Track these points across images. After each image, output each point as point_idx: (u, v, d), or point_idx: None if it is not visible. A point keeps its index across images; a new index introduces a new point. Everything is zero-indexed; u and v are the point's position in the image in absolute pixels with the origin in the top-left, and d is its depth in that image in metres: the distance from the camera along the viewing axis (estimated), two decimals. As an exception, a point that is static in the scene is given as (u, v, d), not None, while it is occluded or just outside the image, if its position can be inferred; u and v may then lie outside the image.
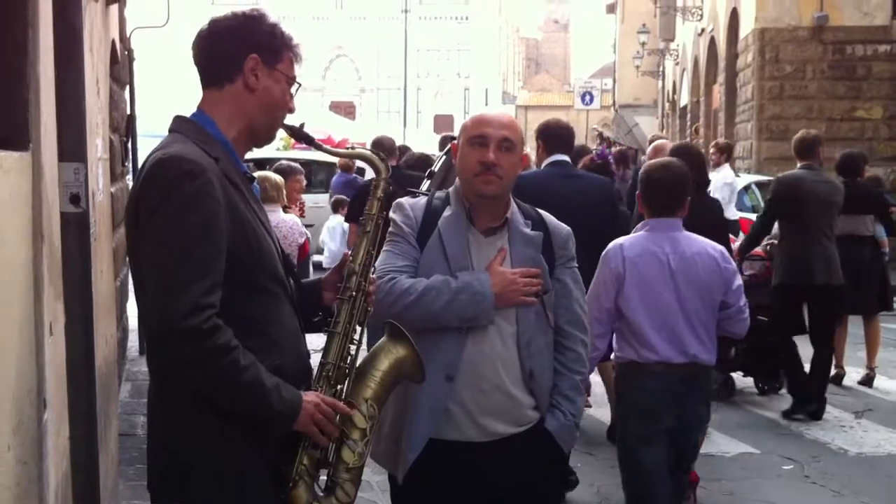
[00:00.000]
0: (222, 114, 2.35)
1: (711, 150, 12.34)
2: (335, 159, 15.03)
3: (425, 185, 7.47)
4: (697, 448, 4.21)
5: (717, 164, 11.66)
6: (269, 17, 2.40)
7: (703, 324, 3.91)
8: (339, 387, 2.40)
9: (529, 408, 2.92)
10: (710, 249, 3.96)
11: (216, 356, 2.12)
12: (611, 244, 3.99)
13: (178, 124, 2.36)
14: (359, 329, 2.46)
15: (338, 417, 2.32)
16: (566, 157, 5.54)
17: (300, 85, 2.44)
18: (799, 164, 7.33)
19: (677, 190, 3.99)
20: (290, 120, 2.48)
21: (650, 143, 9.52)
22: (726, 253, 4.07)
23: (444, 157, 6.19)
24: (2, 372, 2.08)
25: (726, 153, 11.91)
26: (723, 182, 10.75)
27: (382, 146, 8.13)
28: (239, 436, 2.22)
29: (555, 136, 5.44)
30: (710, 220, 4.38)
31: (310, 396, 2.28)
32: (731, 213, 10.50)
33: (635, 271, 3.87)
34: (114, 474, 4.76)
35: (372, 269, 2.51)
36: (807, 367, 7.25)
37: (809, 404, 7.06)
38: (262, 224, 2.34)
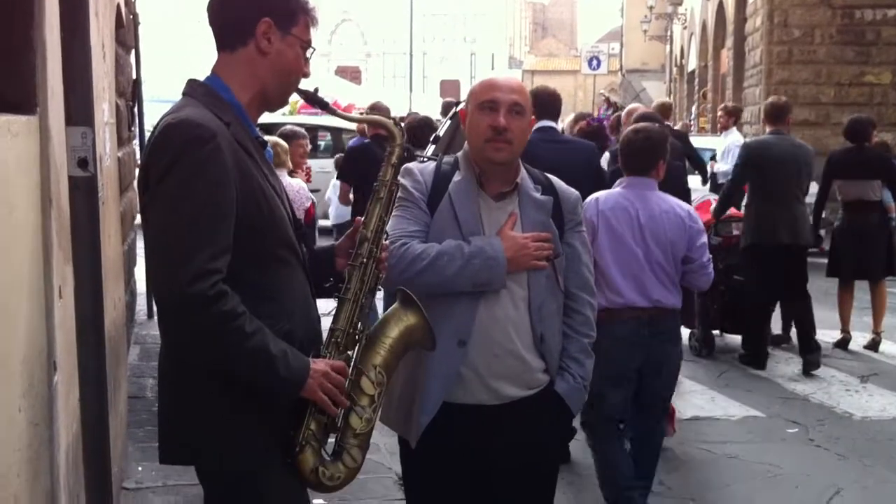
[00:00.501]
0: (235, 77, 2.33)
1: (720, 114, 12.38)
2: (343, 124, 15.06)
3: (430, 149, 7.46)
4: (671, 384, 4.62)
5: (725, 127, 11.71)
6: None
7: (667, 274, 4.32)
8: (348, 353, 2.40)
9: (540, 371, 2.94)
10: (678, 209, 4.36)
11: (222, 321, 2.12)
12: (589, 197, 4.31)
13: (191, 87, 2.34)
14: (369, 295, 2.45)
15: (347, 383, 2.33)
16: (552, 123, 5.73)
17: (314, 49, 2.41)
18: (768, 129, 7.68)
19: (650, 153, 4.39)
20: (303, 85, 2.45)
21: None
22: (693, 213, 4.47)
23: (448, 122, 6.20)
24: (12, 335, 2.10)
25: (734, 116, 12.01)
26: (734, 145, 10.77)
27: (380, 112, 8.15)
28: (247, 401, 2.23)
29: (542, 103, 5.50)
30: (670, 185, 4.78)
31: (318, 364, 2.27)
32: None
33: (607, 223, 4.30)
34: (123, 436, 4.80)
35: (384, 236, 2.50)
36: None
37: (810, 353, 7.33)
38: (275, 189, 2.33)
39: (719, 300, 7.81)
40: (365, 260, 2.44)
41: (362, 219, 2.50)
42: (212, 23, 2.37)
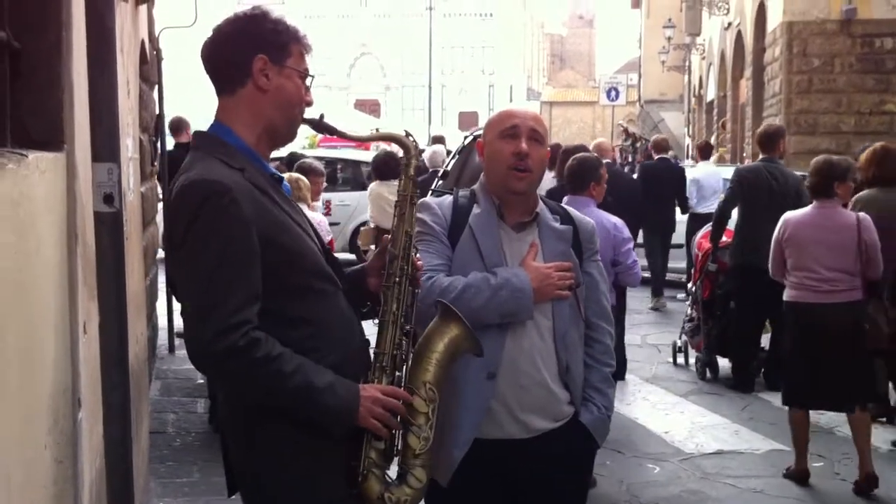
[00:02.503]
0: (239, 120, 2.33)
1: (695, 152, 13.58)
2: (362, 157, 15.09)
3: (438, 184, 7.52)
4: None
5: (698, 161, 13.04)
6: (271, 13, 2.36)
7: None
8: (397, 374, 2.40)
9: (565, 402, 2.92)
10: (606, 221, 5.26)
11: (258, 368, 2.14)
12: None
13: (198, 141, 2.36)
14: (409, 313, 2.45)
15: (402, 405, 2.33)
16: None
17: (313, 77, 2.41)
18: (760, 156, 7.82)
19: (583, 176, 5.48)
20: (309, 112, 2.45)
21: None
22: (619, 224, 5.39)
23: (456, 156, 6.25)
24: (38, 371, 2.10)
25: (703, 152, 13.69)
26: (706, 176, 12.18)
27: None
28: (306, 437, 2.24)
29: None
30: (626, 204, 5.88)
31: (368, 391, 2.28)
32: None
33: None
34: (145, 472, 4.80)
35: (414, 251, 2.50)
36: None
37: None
38: (297, 223, 2.34)
39: (717, 325, 7.97)
40: (397, 279, 2.43)
41: (389, 237, 2.50)
42: (207, 70, 2.37)
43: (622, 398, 6.97)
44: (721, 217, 7.99)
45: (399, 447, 2.37)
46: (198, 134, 2.37)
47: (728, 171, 12.99)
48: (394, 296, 2.42)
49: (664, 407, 7.39)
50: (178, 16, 8.69)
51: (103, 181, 2.99)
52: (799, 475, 5.64)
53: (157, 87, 7.77)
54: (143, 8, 5.98)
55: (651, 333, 10.09)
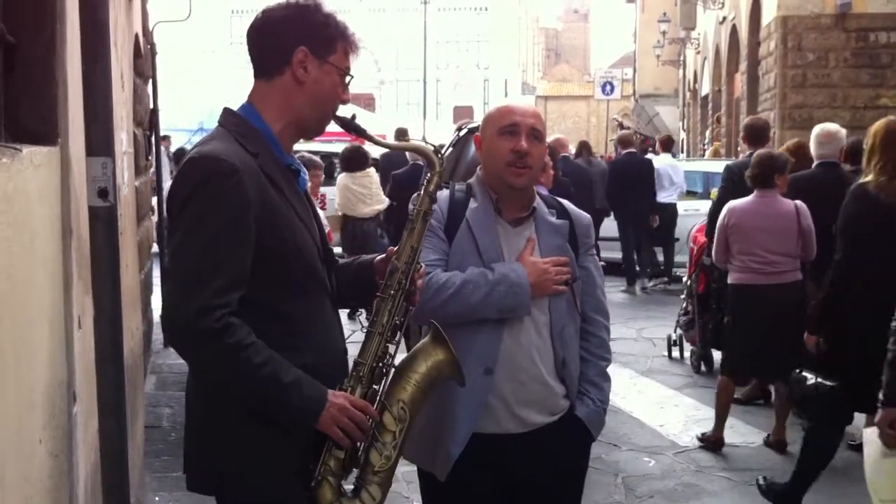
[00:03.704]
0: (270, 106, 2.32)
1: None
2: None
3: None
4: None
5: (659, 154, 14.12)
6: (322, 6, 2.34)
7: None
8: (374, 387, 2.36)
9: (561, 396, 2.93)
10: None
11: (228, 354, 2.12)
12: None
13: (224, 118, 2.34)
14: (397, 328, 2.41)
15: (371, 421, 2.30)
16: None
17: (352, 76, 2.39)
18: (748, 151, 7.73)
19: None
20: (341, 111, 2.42)
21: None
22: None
23: (450, 150, 6.23)
24: (33, 366, 2.10)
25: (665, 145, 14.48)
26: (666, 167, 12.97)
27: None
28: (271, 430, 2.22)
29: None
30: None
31: (338, 399, 2.25)
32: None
33: None
34: (140, 466, 4.79)
35: (416, 266, 2.46)
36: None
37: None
38: (301, 219, 2.32)
39: (712, 319, 7.92)
40: (393, 292, 2.40)
41: (395, 248, 2.47)
42: (250, 50, 2.36)
43: (617, 391, 6.96)
44: (714, 216, 7.99)
45: (361, 461, 2.33)
46: (226, 111, 2.35)
47: (684, 165, 14.35)
48: (386, 308, 2.39)
49: (659, 400, 7.42)
50: (173, 10, 8.69)
51: (98, 175, 2.98)
52: (716, 442, 6.17)
53: (151, 81, 7.75)
54: (137, 2, 5.96)
55: (646, 327, 10.12)
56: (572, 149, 12.43)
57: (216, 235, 2.12)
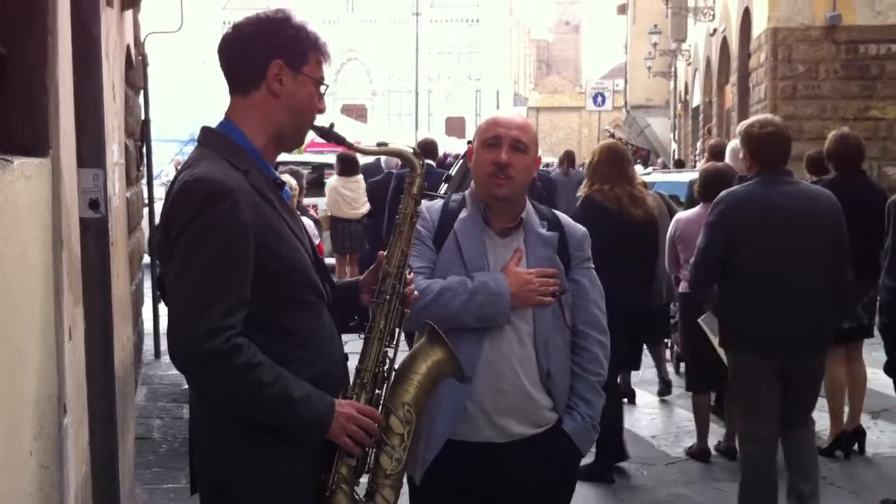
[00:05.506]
0: (249, 122, 2.32)
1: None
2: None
3: (443, 188, 7.58)
4: None
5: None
6: (293, 18, 2.34)
7: None
8: (377, 392, 2.38)
9: (547, 409, 2.92)
10: None
11: (238, 375, 2.12)
12: None
13: (205, 137, 2.33)
14: (395, 332, 2.43)
15: (376, 426, 2.32)
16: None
17: (328, 86, 2.40)
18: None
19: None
20: (319, 120, 2.43)
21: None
22: None
23: (461, 162, 6.26)
24: (23, 377, 2.10)
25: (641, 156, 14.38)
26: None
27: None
28: (277, 446, 2.23)
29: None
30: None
31: (345, 407, 2.26)
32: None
33: None
34: (131, 478, 4.78)
35: (408, 270, 2.48)
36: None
37: None
38: (294, 232, 2.32)
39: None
40: (388, 297, 2.42)
41: (384, 253, 2.48)
42: (222, 66, 2.35)
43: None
44: None
45: (371, 465, 2.36)
46: (206, 130, 2.35)
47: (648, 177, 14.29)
48: (383, 313, 2.41)
49: (650, 411, 7.42)
50: (164, 21, 8.69)
51: (89, 187, 2.99)
52: (701, 454, 6.21)
53: (142, 92, 7.75)
54: (129, 13, 5.97)
55: (637, 338, 10.10)
56: (553, 159, 12.73)
57: (217, 258, 2.12)
